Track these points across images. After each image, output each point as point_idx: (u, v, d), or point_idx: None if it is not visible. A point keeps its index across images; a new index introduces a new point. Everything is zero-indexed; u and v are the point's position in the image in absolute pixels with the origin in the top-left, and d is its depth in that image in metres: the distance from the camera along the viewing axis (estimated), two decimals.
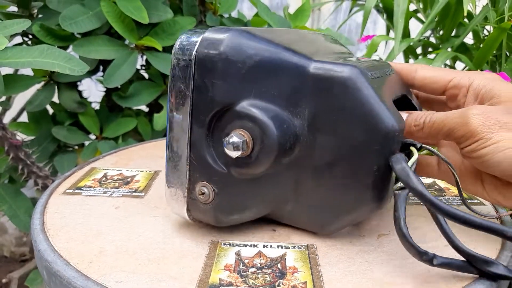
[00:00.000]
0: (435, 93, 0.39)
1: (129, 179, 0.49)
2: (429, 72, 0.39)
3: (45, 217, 0.39)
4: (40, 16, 0.78)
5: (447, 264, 0.30)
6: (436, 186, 0.47)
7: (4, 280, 0.97)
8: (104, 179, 0.49)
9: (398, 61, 0.45)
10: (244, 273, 0.31)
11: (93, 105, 0.87)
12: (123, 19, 0.72)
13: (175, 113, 0.34)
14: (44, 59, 0.55)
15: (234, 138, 0.32)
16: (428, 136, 0.34)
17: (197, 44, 0.33)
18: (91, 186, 0.47)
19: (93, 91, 0.96)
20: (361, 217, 0.36)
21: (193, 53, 0.33)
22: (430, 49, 0.91)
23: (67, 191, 0.45)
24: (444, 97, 0.39)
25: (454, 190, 0.46)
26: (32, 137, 0.82)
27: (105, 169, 0.52)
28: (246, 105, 0.33)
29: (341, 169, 0.33)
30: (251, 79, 0.33)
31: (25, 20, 0.59)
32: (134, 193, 0.45)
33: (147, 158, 0.56)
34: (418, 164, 0.36)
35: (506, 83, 0.35)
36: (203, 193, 0.34)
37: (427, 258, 0.30)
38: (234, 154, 0.32)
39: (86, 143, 0.84)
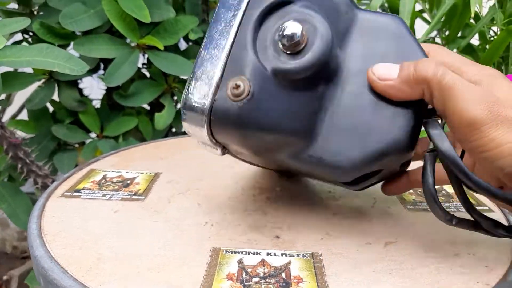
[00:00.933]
0: None
1: (128, 182, 0.48)
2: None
3: (42, 221, 0.38)
4: (40, 13, 0.77)
5: (462, 221, 0.32)
6: (443, 192, 0.46)
7: (5, 277, 0.97)
8: (103, 181, 0.48)
9: None
10: (247, 283, 0.30)
11: (93, 103, 0.86)
12: (125, 18, 0.71)
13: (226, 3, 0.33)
14: (44, 58, 0.54)
15: (292, 24, 0.31)
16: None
17: None
18: (90, 189, 0.45)
19: (94, 89, 0.95)
20: (389, 158, 0.33)
21: None
22: None
23: (65, 193, 0.44)
24: None
25: None
26: (32, 135, 0.81)
27: (105, 171, 0.51)
28: (299, 7, 0.33)
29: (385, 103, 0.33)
30: None
31: (25, 18, 0.57)
32: (133, 196, 0.44)
33: (147, 159, 0.55)
34: (386, 184, 0.38)
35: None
36: (238, 86, 0.31)
37: (449, 218, 0.32)
38: (288, 42, 0.31)
39: (87, 141, 0.83)
